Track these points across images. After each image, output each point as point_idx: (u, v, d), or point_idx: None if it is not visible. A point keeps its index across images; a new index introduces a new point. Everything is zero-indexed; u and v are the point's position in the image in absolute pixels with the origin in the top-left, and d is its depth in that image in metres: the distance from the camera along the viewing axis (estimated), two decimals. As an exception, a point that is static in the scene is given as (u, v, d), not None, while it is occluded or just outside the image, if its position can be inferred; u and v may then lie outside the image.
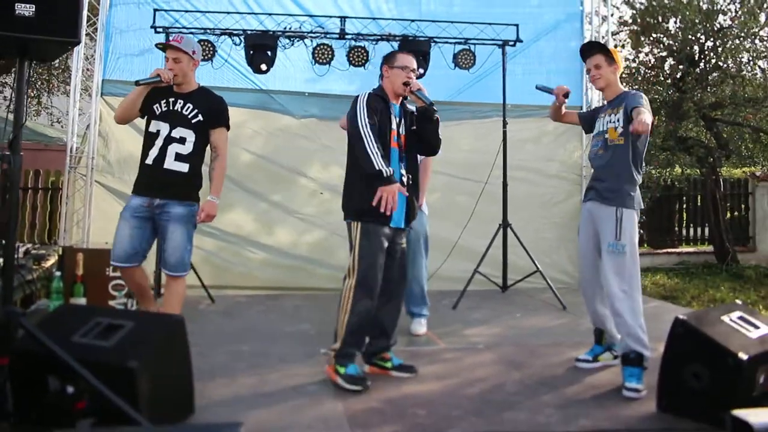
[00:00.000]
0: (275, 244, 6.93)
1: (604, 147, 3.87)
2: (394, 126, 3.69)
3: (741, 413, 2.70)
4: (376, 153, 3.42)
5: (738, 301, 3.63)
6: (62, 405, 2.62)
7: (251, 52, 6.08)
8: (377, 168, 3.40)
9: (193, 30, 6.17)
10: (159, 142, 3.94)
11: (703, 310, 3.82)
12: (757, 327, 3.23)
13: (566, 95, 4.18)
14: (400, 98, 3.79)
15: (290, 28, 6.33)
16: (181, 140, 3.95)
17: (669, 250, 11.28)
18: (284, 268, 6.84)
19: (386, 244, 3.61)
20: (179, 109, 3.96)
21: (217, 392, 3.44)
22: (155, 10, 6.16)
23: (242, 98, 6.74)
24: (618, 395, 3.46)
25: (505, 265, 6.47)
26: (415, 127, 3.80)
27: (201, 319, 5.31)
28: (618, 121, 3.79)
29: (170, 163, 3.94)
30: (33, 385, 2.69)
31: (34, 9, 2.79)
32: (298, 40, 6.37)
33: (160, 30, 6.05)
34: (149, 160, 3.94)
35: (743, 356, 2.94)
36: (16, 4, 2.76)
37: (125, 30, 6.69)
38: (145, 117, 4.03)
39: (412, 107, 3.87)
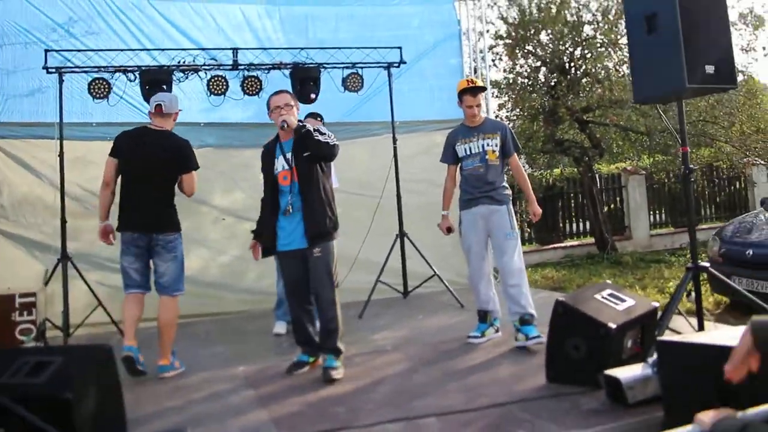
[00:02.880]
0: (183, 273, 6.98)
1: (484, 165, 4.85)
2: (279, 167, 4.28)
3: (611, 371, 3.22)
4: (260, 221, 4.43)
5: (608, 281, 4.17)
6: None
7: (146, 87, 6.14)
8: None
9: (86, 69, 6.16)
10: None
11: (578, 291, 4.34)
12: (623, 300, 3.80)
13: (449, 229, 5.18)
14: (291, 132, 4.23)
15: (184, 62, 6.45)
16: None
17: (555, 245, 12.07)
18: (192, 296, 6.78)
19: (297, 265, 4.27)
20: None
21: (146, 416, 3.61)
22: (46, 51, 6.04)
23: (139, 132, 6.76)
24: (513, 374, 3.95)
25: (405, 272, 6.88)
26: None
27: (114, 352, 5.33)
28: (496, 146, 4.86)
29: None
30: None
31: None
32: (192, 73, 6.50)
33: (53, 70, 5.97)
34: None
35: (612, 326, 3.46)
36: None
37: (12, 71, 6.60)
38: None
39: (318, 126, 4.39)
